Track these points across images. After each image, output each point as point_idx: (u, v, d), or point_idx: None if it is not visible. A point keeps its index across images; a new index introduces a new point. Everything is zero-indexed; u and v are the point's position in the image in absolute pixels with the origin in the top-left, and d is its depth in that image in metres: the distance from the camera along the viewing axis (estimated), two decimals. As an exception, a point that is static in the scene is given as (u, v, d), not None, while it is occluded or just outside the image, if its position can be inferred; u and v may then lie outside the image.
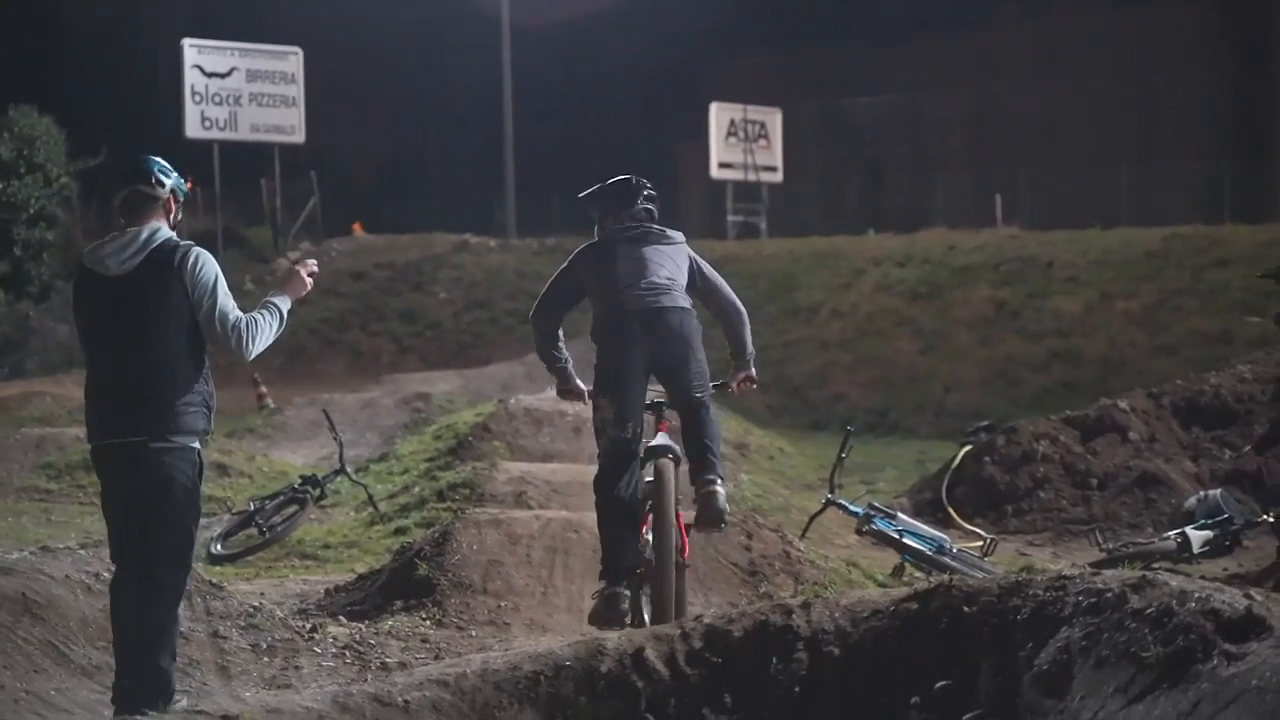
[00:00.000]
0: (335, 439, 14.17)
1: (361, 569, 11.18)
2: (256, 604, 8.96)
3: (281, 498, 13.20)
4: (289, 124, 38.27)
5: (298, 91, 38.36)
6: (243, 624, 8.59)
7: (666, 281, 8.02)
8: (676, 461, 7.93)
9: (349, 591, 10.24)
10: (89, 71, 47.60)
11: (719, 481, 7.85)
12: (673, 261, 8.13)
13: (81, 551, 9.55)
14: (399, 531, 12.67)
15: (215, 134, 37.12)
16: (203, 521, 13.92)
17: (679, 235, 8.30)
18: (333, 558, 12.36)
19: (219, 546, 12.41)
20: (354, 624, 9.19)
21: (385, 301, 35.29)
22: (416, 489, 14.05)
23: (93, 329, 6.64)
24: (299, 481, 13.52)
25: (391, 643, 8.86)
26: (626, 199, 8.21)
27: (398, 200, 48.60)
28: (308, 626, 8.89)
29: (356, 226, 41.41)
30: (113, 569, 6.81)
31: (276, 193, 39.10)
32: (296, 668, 8.28)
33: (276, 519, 12.80)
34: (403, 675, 6.18)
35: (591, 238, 8.37)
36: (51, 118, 37.30)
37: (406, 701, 5.71)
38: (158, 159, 6.77)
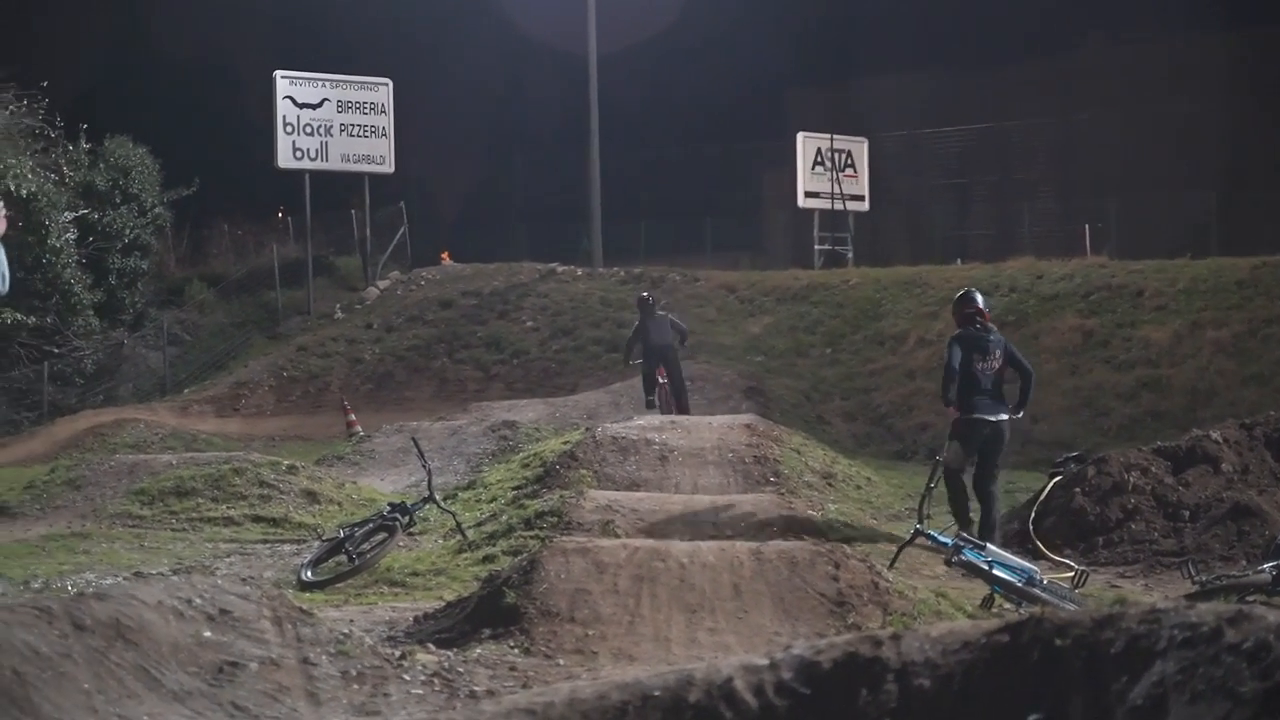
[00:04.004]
0: (424, 466, 14.28)
1: (449, 596, 11.24)
2: (346, 631, 8.98)
3: (370, 525, 13.30)
4: (379, 154, 38.60)
5: (388, 122, 38.70)
6: (332, 650, 8.61)
7: (668, 334, 22.37)
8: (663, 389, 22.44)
9: (437, 619, 10.29)
10: (183, 103, 48.35)
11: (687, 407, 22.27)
12: (669, 325, 22.64)
13: (174, 577, 9.65)
14: (487, 559, 12.72)
15: (306, 164, 37.50)
16: (292, 549, 14.21)
17: (665, 313, 23.27)
18: (421, 585, 12.41)
19: (309, 573, 12.50)
20: (442, 651, 9.20)
21: (472, 330, 35.46)
22: (504, 517, 14.09)
23: None
24: (388, 509, 13.60)
25: (479, 671, 8.88)
26: (651, 305, 23.05)
27: (485, 229, 48.94)
28: (397, 654, 8.90)
29: (444, 255, 41.74)
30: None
31: (366, 222, 39.47)
32: (385, 695, 8.30)
33: (365, 546, 12.89)
34: (490, 703, 6.19)
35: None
36: (146, 148, 37.91)
37: (495, 730, 5.72)
38: None
